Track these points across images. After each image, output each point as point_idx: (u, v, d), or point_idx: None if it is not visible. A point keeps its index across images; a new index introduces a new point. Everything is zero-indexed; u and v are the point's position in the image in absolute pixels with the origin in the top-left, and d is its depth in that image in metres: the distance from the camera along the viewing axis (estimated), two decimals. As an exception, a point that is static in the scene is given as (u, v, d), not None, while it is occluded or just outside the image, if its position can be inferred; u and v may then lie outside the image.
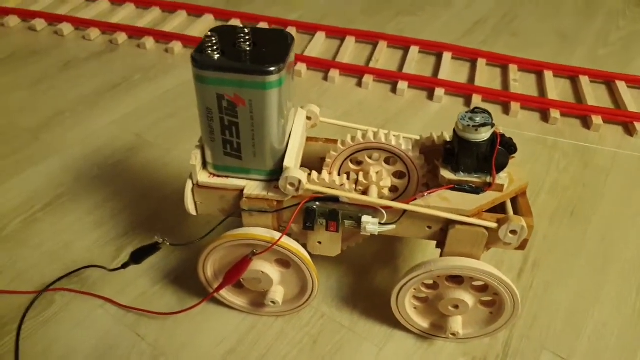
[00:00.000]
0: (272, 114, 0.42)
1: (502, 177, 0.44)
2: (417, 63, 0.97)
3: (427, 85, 0.89)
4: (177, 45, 0.96)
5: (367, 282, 0.57)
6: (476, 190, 0.45)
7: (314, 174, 0.45)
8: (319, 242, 0.49)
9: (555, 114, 0.83)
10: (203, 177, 0.47)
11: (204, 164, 0.47)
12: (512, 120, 0.84)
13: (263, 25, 1.03)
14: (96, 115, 0.81)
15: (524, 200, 0.46)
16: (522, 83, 0.93)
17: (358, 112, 0.84)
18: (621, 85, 0.90)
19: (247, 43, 0.42)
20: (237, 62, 0.40)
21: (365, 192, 0.48)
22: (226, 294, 0.53)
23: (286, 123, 0.45)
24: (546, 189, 0.70)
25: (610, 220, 0.66)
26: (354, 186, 0.47)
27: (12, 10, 1.03)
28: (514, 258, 0.60)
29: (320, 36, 1.01)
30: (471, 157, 0.44)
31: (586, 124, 0.83)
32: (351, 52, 0.99)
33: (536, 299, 0.56)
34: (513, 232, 0.43)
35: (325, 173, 0.45)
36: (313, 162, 0.53)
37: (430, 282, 0.48)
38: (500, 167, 0.44)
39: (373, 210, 0.45)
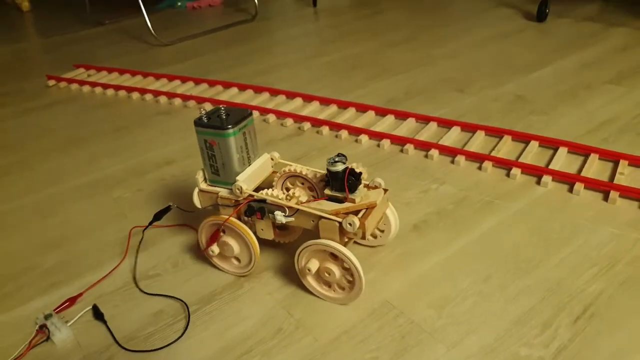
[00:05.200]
0: (230, 152, 0.82)
1: (355, 195, 0.79)
2: (533, 154, 1.21)
3: (536, 172, 1.13)
4: (344, 133, 1.36)
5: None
6: (339, 200, 0.80)
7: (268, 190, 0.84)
8: (262, 229, 0.86)
9: (652, 203, 0.99)
10: (203, 185, 0.87)
11: (205, 179, 0.87)
12: (610, 206, 1.02)
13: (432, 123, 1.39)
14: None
15: (369, 211, 0.79)
16: (630, 176, 1.10)
17: (469, 189, 1.11)
18: None
19: (224, 115, 0.82)
20: (213, 123, 0.81)
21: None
22: (218, 261, 0.91)
23: (244, 158, 0.84)
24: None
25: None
26: (284, 196, 0.83)
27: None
28: (575, 307, 0.79)
29: (456, 130, 1.33)
30: (336, 181, 0.79)
31: (683, 214, 0.97)
32: (479, 142, 1.27)
33: (582, 337, 0.74)
34: (350, 225, 0.74)
35: (273, 190, 0.83)
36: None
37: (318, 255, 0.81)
38: (353, 188, 0.79)
39: (283, 208, 0.81)
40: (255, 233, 0.87)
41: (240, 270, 0.90)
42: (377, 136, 1.32)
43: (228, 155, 0.83)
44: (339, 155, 0.79)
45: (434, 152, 1.23)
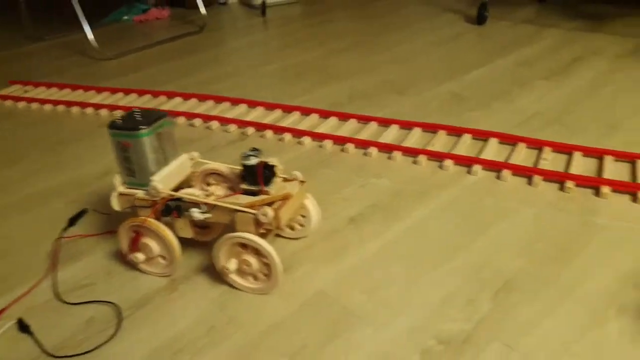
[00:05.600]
0: (144, 152, 0.83)
1: (270, 187, 0.82)
2: (466, 147, 1.27)
3: (467, 162, 1.19)
4: (287, 136, 1.40)
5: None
6: (255, 194, 0.83)
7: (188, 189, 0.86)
8: (181, 228, 0.88)
9: (570, 184, 1.06)
10: (121, 188, 0.88)
11: (123, 182, 0.88)
12: (534, 189, 1.09)
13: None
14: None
15: (284, 202, 0.82)
16: (553, 161, 1.17)
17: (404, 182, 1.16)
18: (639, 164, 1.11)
19: (138, 117, 0.84)
20: (126, 125, 0.83)
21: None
22: (145, 267, 0.91)
23: (159, 159, 0.86)
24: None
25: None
26: (201, 193, 0.86)
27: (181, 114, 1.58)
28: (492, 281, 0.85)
29: (394, 128, 1.38)
30: (250, 175, 0.82)
31: (597, 192, 1.05)
32: (416, 139, 1.33)
33: (501, 308, 0.79)
34: (265, 215, 0.78)
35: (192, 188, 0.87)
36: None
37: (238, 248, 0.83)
38: (267, 181, 0.82)
39: (199, 205, 0.83)
40: (175, 232, 0.88)
41: (167, 269, 0.91)
42: (320, 137, 1.36)
43: (143, 156, 0.84)
44: (252, 149, 0.82)
45: (373, 150, 1.28)
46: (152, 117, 0.85)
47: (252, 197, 0.83)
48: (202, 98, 1.68)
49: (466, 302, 0.81)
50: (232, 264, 0.83)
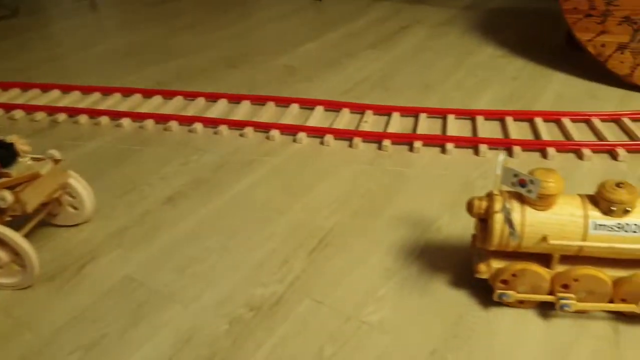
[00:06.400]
0: None
1: (11, 168, 0.74)
2: (293, 116, 1.28)
3: (293, 131, 1.19)
4: (104, 119, 1.29)
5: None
6: None
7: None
8: None
9: (386, 142, 1.12)
10: None
11: None
12: (355, 151, 1.13)
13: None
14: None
15: (29, 183, 0.75)
16: (373, 123, 1.22)
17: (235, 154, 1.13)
18: (450, 118, 1.20)
19: None
20: None
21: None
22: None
23: None
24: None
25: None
26: None
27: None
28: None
29: (222, 102, 1.34)
30: None
31: (411, 148, 1.12)
32: (244, 111, 1.31)
33: (314, 265, 0.80)
34: (3, 200, 0.71)
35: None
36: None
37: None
38: (6, 162, 0.74)
39: None
40: None
41: (19, 282, 0.78)
42: (140, 117, 1.28)
43: None
44: None
45: (198, 126, 1.23)
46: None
47: None
48: (6, 87, 1.49)
49: (280, 264, 0.80)
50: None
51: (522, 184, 0.63)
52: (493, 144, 1.09)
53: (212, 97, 1.37)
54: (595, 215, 0.64)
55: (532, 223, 0.65)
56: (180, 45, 1.85)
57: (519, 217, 0.65)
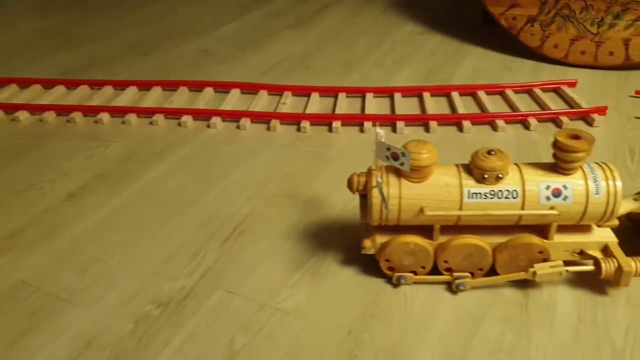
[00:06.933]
0: None
1: None
2: (207, 101, 1.23)
3: (206, 116, 1.15)
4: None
5: None
6: None
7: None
8: None
9: (305, 123, 1.10)
10: None
11: None
12: (272, 134, 1.10)
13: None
14: None
15: None
16: (292, 104, 1.20)
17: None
18: (369, 97, 1.20)
19: None
20: None
21: None
22: None
23: None
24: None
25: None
26: None
27: None
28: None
29: (132, 90, 1.27)
30: None
31: (330, 128, 1.10)
32: (155, 98, 1.25)
33: (227, 255, 0.77)
34: None
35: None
36: None
37: None
38: None
39: None
40: None
41: None
42: (39, 109, 1.19)
43: None
44: None
45: (104, 116, 1.16)
46: None
47: None
48: None
49: (191, 256, 0.77)
50: None
51: (395, 157, 0.62)
52: (410, 120, 1.10)
53: (121, 85, 1.29)
54: (470, 184, 0.65)
55: (409, 195, 0.65)
56: (89, 31, 1.74)
57: (396, 191, 0.65)
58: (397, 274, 0.69)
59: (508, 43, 1.44)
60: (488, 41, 1.51)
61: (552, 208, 0.65)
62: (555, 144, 0.64)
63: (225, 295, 0.70)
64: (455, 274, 0.69)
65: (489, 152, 0.64)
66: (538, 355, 0.62)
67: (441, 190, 0.65)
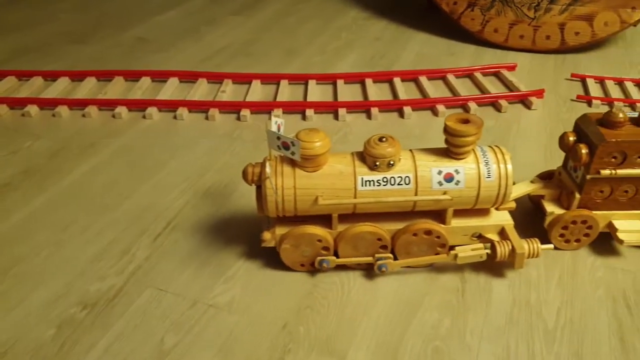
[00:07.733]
0: None
1: None
2: (144, 90, 1.18)
3: (142, 106, 1.11)
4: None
5: None
6: None
7: None
8: None
9: (245, 112, 1.08)
10: None
11: None
12: (211, 123, 1.07)
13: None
14: None
15: None
16: (232, 92, 1.17)
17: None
18: (312, 84, 1.18)
19: None
20: None
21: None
22: None
23: None
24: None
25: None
26: None
27: None
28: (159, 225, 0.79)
29: (63, 81, 1.21)
30: None
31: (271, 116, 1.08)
32: (88, 89, 1.18)
33: (159, 251, 0.74)
34: None
35: None
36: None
37: None
38: None
39: None
40: None
41: None
42: (-40, 103, 1.12)
43: None
44: None
45: (32, 108, 1.09)
46: None
47: None
48: None
49: (121, 254, 0.74)
50: None
51: (285, 146, 0.61)
52: (352, 107, 1.09)
53: (51, 76, 1.23)
54: (363, 171, 0.64)
55: (304, 185, 0.64)
56: (16, 19, 1.64)
57: (291, 181, 0.63)
58: (319, 258, 0.68)
59: (451, 28, 1.46)
60: (432, 26, 1.52)
61: (445, 193, 0.65)
62: (445, 129, 0.63)
63: (156, 293, 0.68)
64: (377, 255, 0.68)
65: (380, 139, 0.64)
66: (473, 340, 0.62)
67: (335, 179, 0.64)
